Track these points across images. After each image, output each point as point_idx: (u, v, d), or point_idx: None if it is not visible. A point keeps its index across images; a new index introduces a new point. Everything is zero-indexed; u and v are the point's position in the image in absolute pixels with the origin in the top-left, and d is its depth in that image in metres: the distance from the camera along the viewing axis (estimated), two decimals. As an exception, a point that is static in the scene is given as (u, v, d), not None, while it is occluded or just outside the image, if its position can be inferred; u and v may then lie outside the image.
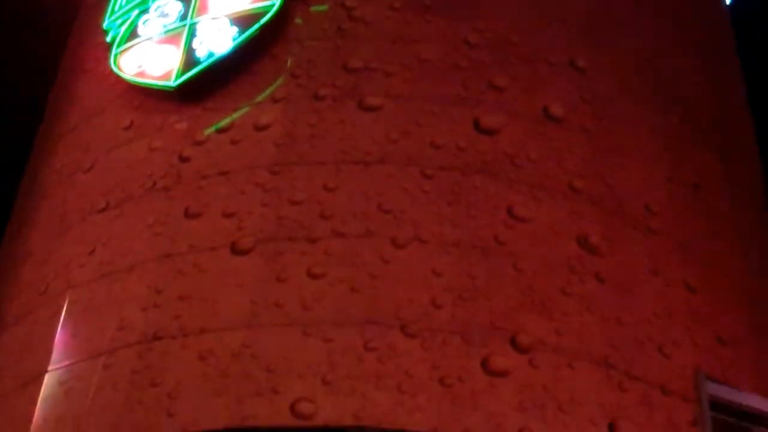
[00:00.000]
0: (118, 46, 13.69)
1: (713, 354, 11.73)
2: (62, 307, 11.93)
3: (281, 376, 10.29)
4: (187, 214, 11.72)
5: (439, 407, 10.13)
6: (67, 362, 11.39)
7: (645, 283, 11.69)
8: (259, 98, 12.31)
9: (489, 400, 10.22)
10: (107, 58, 13.72)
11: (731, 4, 16.62)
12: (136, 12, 13.81)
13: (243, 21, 12.77)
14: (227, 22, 12.87)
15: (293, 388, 10.20)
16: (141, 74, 13.15)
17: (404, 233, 11.10)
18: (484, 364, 10.39)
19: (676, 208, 12.51)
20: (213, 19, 13.01)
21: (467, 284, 10.87)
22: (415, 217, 11.22)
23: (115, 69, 13.45)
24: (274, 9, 12.63)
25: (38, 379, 11.48)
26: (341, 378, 10.22)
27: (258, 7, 12.76)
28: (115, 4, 14.17)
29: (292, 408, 10.08)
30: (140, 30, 13.64)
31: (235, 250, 11.22)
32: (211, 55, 12.66)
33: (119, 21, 13.99)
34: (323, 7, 12.95)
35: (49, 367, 11.46)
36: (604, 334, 11.03)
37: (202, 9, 13.24)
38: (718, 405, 11.32)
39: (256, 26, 12.63)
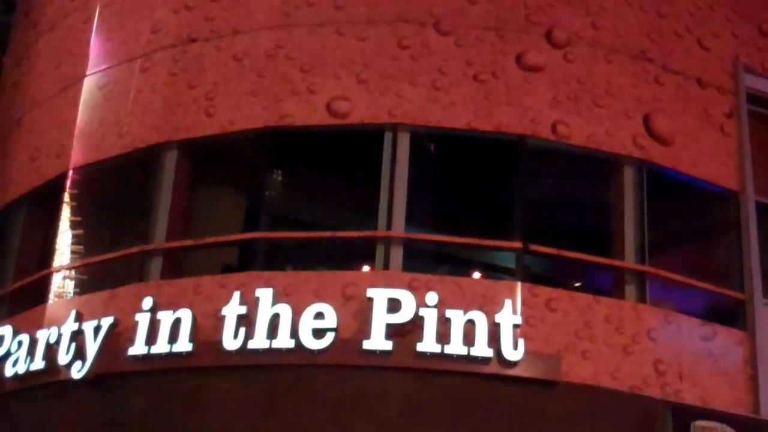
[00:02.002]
0: None
1: (753, 46, 11.51)
2: (95, 12, 11.89)
3: (316, 75, 10.33)
4: None
5: (473, 103, 10.19)
6: (104, 66, 11.50)
7: (687, -28, 11.33)
8: None
9: (523, 95, 10.23)
10: None
11: None
12: None
13: None
14: None
15: (328, 87, 10.27)
16: None
17: (435, -75, 10.70)
18: (519, 59, 10.32)
19: None
20: None
21: (503, -22, 10.59)
22: None
23: None
24: None
25: (77, 83, 11.65)
26: (376, 76, 10.24)
27: None
28: None
29: (328, 107, 10.20)
30: None
31: (262, -52, 10.95)
32: None
33: None
34: None
35: (87, 72, 11.61)
36: (642, 27, 10.82)
37: None
38: (755, 97, 11.27)
39: None
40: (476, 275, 10.71)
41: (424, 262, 10.48)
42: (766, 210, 10.88)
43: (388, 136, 10.11)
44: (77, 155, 11.33)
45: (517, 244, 9.89)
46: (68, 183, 11.35)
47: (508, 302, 9.27)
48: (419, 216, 10.40)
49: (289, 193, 11.31)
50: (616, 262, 10.16)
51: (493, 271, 11.04)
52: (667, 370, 9.56)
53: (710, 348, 9.93)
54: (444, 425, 8.97)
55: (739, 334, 10.18)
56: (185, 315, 9.42)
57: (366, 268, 10.02)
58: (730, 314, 10.47)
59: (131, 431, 9.46)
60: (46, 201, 11.70)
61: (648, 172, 10.45)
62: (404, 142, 10.08)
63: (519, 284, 9.55)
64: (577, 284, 10.81)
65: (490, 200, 11.29)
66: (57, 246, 11.31)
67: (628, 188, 10.43)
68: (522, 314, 9.28)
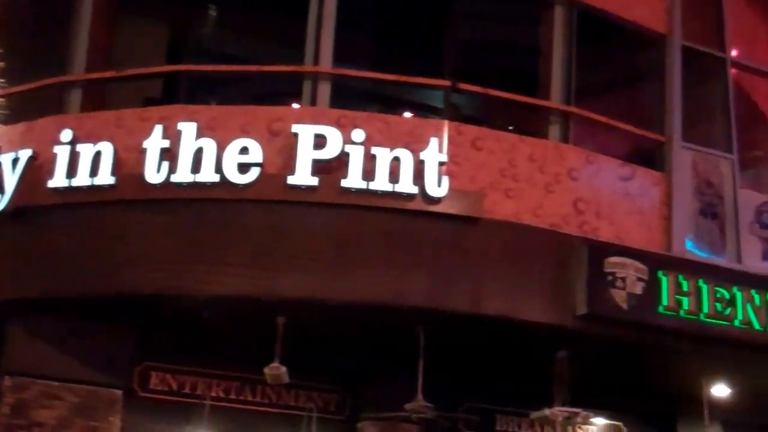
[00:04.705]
0: None
1: None
2: None
3: None
4: None
5: None
6: None
7: None
8: None
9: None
10: None
11: None
12: None
13: None
14: None
15: None
16: None
17: None
18: None
19: None
20: None
21: None
22: None
23: None
24: None
25: None
26: None
27: None
28: None
29: None
30: None
31: None
32: None
33: None
34: None
35: None
36: None
37: None
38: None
39: None
40: (407, 115, 10.68)
41: (355, 101, 10.41)
42: (691, 54, 10.97)
43: (317, -31, 9.84)
44: (-9, -20, 10.83)
45: (445, 83, 9.85)
46: (-18, 11, 10.89)
47: (434, 140, 9.28)
48: (350, 54, 10.25)
49: (215, 26, 11.04)
50: (542, 102, 10.22)
51: (424, 111, 11.02)
52: (586, 209, 9.76)
53: (628, 188, 10.14)
54: (370, 259, 9.09)
55: (657, 175, 10.39)
56: (106, 148, 9.25)
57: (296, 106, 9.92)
58: (650, 157, 10.67)
59: (56, 264, 9.36)
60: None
61: (578, 13, 10.40)
62: (333, -26, 9.82)
63: (446, 123, 9.55)
64: (510, 127, 10.80)
65: (420, 39, 11.17)
66: (-27, 77, 10.93)
67: (558, 29, 10.40)
68: (447, 152, 9.32)
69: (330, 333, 9.76)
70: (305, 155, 9.06)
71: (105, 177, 9.18)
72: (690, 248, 10.29)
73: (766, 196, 11.17)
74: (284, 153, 9.13)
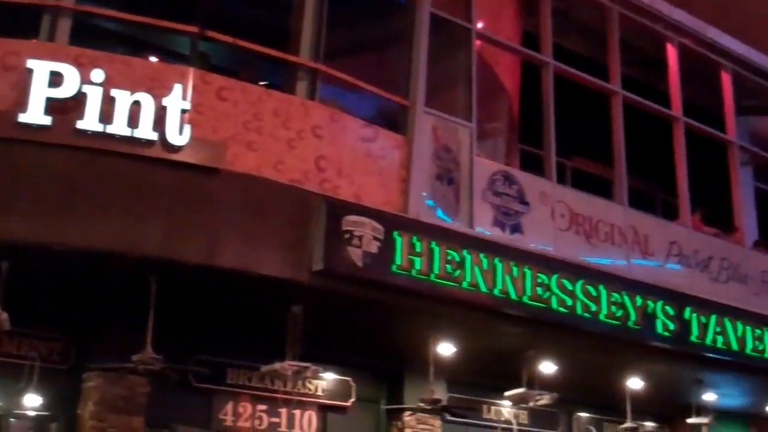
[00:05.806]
0: None
1: None
2: None
3: None
4: None
5: None
6: None
7: None
8: None
9: None
10: None
11: None
12: None
13: None
14: None
15: None
16: None
17: None
18: None
19: None
20: None
21: None
22: None
23: None
24: None
25: None
26: None
27: None
28: None
29: None
30: None
31: None
32: None
33: None
34: None
35: None
36: None
37: None
38: None
39: None
40: (152, 59, 10.36)
41: (102, 42, 9.98)
42: (439, 22, 11.27)
43: None
44: None
45: (193, 29, 9.64)
46: None
47: (177, 87, 9.09)
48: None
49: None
50: (290, 57, 10.20)
51: (175, 59, 10.71)
52: (327, 167, 9.86)
53: (370, 149, 10.33)
54: (103, 205, 8.77)
55: (399, 138, 10.63)
56: None
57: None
58: (395, 120, 10.91)
59: None
60: None
61: (330, -27, 10.45)
62: None
63: (191, 70, 9.34)
64: (265, 83, 10.68)
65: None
66: None
67: (310, -14, 10.40)
68: (191, 100, 9.14)
69: (57, 279, 9.38)
70: (39, 93, 8.66)
71: None
72: (436, 213, 10.62)
73: (499, 165, 11.73)
74: (17, 89, 8.68)
